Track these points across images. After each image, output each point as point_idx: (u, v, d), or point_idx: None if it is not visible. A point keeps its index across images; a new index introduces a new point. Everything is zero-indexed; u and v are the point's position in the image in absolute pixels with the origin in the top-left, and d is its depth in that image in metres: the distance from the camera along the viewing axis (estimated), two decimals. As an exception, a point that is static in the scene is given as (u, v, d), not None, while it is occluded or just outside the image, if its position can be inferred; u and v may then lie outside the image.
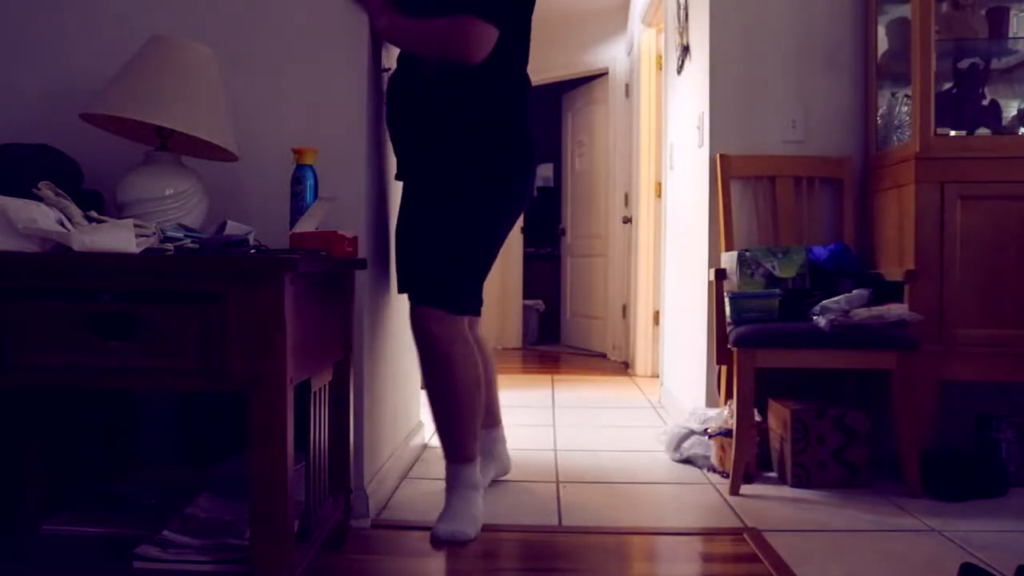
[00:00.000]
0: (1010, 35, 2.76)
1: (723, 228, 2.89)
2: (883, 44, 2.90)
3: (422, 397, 3.27)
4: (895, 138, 2.84)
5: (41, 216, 1.39)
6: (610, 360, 5.87)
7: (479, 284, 2.19)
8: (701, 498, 2.43)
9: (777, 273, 2.62)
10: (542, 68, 6.34)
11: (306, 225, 1.80)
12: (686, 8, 3.44)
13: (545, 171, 7.95)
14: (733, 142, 2.96)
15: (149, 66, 1.72)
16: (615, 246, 5.82)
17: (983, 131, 2.71)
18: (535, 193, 1.88)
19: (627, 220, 5.59)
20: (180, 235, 1.56)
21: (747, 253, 2.65)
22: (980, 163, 2.52)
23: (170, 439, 2.05)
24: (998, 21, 2.74)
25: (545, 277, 7.30)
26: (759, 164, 2.92)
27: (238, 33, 2.08)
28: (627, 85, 5.76)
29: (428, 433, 3.23)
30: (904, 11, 2.78)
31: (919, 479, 2.42)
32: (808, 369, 2.61)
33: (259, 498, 1.34)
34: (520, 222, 6.92)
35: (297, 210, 1.85)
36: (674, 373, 3.79)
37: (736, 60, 2.97)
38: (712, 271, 2.76)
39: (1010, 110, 2.78)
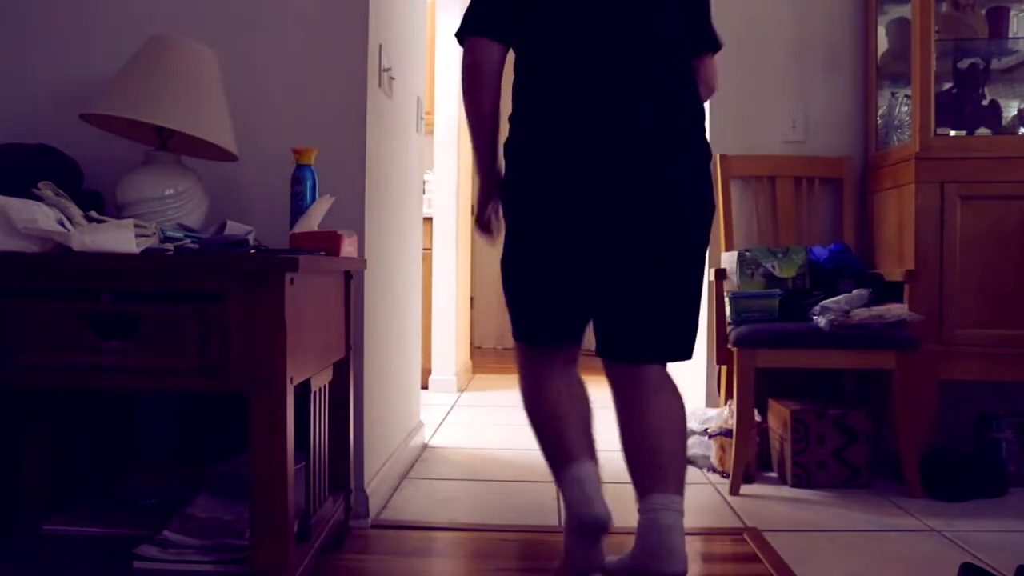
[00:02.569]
0: (1010, 35, 2.76)
1: (723, 228, 2.88)
2: (883, 44, 2.90)
3: (422, 397, 3.28)
4: (895, 138, 2.84)
5: (41, 216, 1.39)
6: (610, 360, 5.87)
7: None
8: (701, 498, 2.43)
9: (777, 273, 2.62)
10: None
11: (306, 225, 1.80)
12: (686, 8, 3.43)
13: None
14: (733, 142, 2.95)
15: (149, 66, 1.72)
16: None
17: (983, 131, 2.71)
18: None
19: (627, 220, 5.58)
20: (180, 235, 1.56)
21: (747, 253, 2.65)
22: (980, 163, 2.52)
23: (170, 439, 2.05)
24: (998, 21, 2.74)
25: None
26: (759, 164, 2.92)
27: (238, 33, 2.08)
28: (627, 85, 5.75)
29: (428, 433, 3.23)
30: (904, 11, 2.78)
31: (919, 479, 2.42)
32: (808, 369, 2.60)
33: (259, 498, 1.34)
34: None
35: (297, 210, 1.85)
36: (674, 373, 3.78)
37: (736, 60, 2.96)
38: (712, 271, 2.76)
39: (1010, 110, 2.78)
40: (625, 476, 1.62)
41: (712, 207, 1.68)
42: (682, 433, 1.69)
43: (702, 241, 1.67)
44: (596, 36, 1.62)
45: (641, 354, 1.67)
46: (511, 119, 1.69)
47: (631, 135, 1.57)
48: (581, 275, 1.64)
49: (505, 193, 1.71)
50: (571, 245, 1.62)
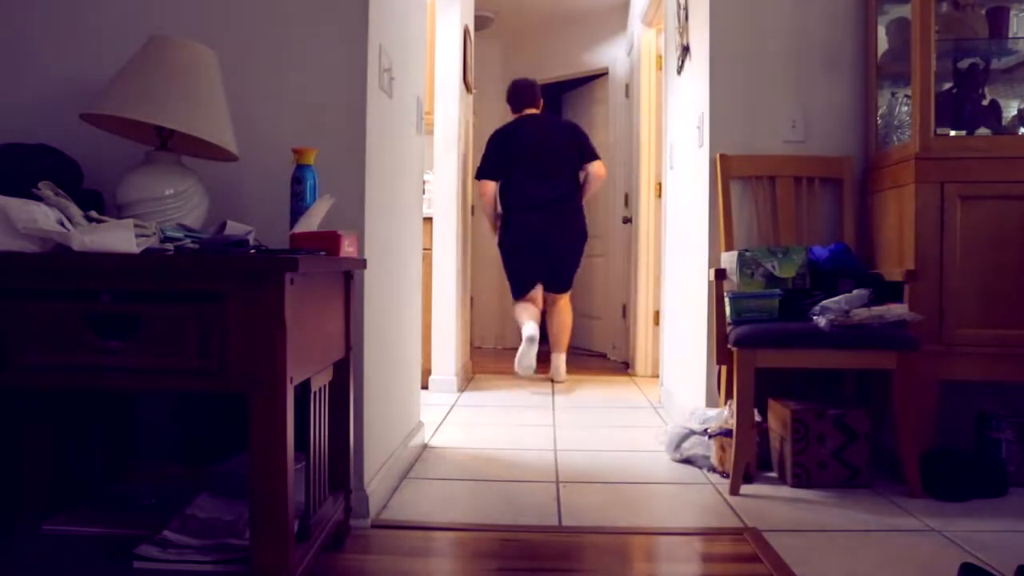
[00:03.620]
0: (1010, 35, 2.76)
1: (723, 228, 2.89)
2: (883, 44, 2.90)
3: (422, 397, 3.28)
4: (895, 138, 2.84)
5: (41, 216, 1.39)
6: (610, 360, 5.87)
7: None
8: (701, 498, 2.43)
9: (777, 273, 2.62)
10: (542, 68, 6.33)
11: (306, 225, 1.80)
12: (686, 8, 3.44)
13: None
14: (733, 142, 2.96)
15: (149, 66, 1.72)
16: (615, 246, 5.82)
17: (983, 131, 2.70)
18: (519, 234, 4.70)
19: (627, 220, 5.59)
20: (180, 235, 1.56)
21: (747, 253, 2.65)
22: (980, 163, 2.52)
23: (170, 439, 2.05)
24: (998, 21, 2.73)
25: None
26: (759, 164, 2.92)
27: (238, 33, 2.08)
28: (627, 85, 5.75)
29: (428, 433, 3.23)
30: (904, 11, 2.78)
31: (919, 479, 2.42)
32: (808, 369, 2.60)
33: (259, 498, 1.34)
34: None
35: (297, 210, 1.85)
36: (674, 373, 3.79)
37: (736, 60, 2.97)
38: (712, 271, 2.76)
39: (1010, 110, 2.78)
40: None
41: (582, 245, 4.77)
42: (568, 326, 4.83)
43: (578, 255, 4.74)
44: (535, 180, 4.57)
45: (558, 290, 4.72)
46: (502, 206, 4.70)
47: (551, 223, 4.62)
48: (541, 267, 4.67)
49: (503, 239, 4.74)
50: (529, 259, 4.67)
